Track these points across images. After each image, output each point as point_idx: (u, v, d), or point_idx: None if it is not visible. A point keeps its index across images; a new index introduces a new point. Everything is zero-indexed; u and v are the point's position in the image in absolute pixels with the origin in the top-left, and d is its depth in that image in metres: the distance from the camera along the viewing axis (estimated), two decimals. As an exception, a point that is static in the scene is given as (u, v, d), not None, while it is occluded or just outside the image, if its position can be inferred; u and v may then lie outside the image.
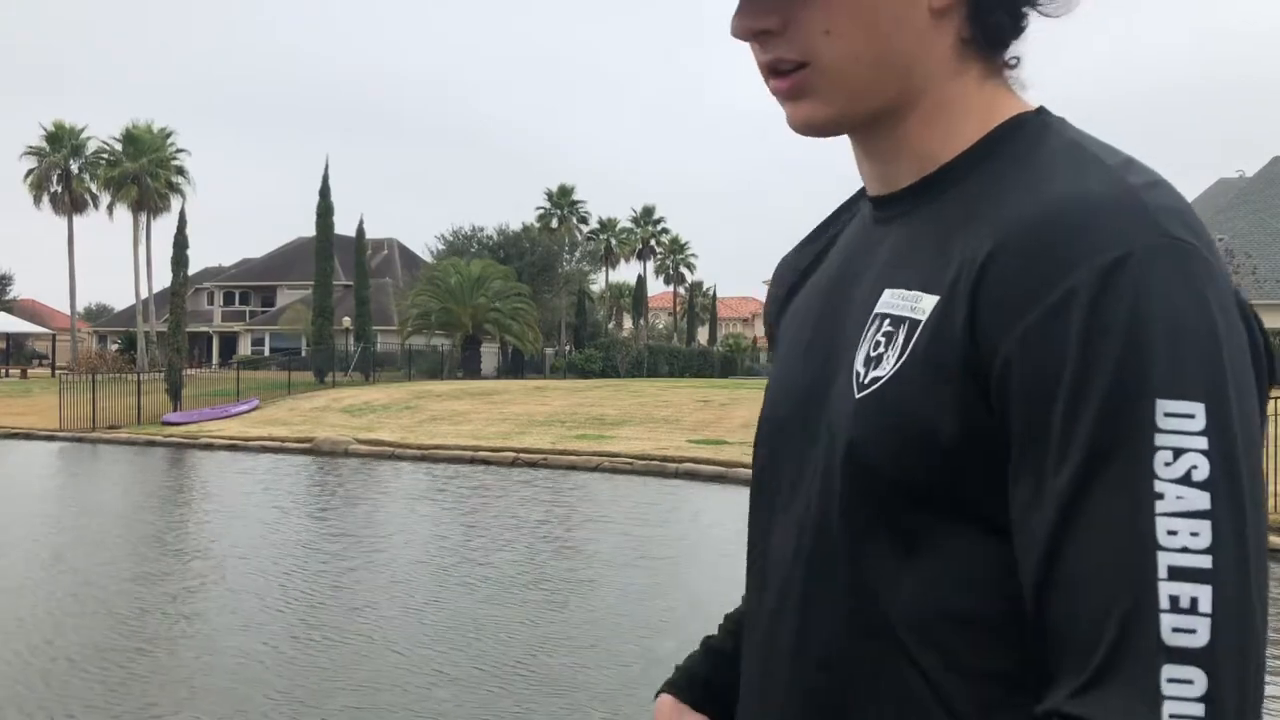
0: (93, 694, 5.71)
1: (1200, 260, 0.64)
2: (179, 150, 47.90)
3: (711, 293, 68.70)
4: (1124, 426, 0.61)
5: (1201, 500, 0.60)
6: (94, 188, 47.41)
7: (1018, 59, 0.79)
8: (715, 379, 42.99)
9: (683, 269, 66.85)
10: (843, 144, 0.82)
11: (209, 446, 21.28)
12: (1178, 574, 0.59)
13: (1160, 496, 0.60)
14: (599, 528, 11.82)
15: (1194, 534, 0.59)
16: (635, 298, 59.31)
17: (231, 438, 21.82)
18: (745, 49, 0.79)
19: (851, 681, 0.74)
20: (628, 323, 63.59)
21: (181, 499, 14.61)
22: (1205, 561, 0.59)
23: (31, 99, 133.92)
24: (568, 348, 48.74)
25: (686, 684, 1.00)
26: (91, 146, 47.45)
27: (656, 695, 1.01)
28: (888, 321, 0.74)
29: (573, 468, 17.51)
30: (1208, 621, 0.58)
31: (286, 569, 9.15)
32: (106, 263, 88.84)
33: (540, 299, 45.92)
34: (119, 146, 46.58)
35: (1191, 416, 0.60)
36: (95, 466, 18.77)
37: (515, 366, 44.98)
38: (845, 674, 0.75)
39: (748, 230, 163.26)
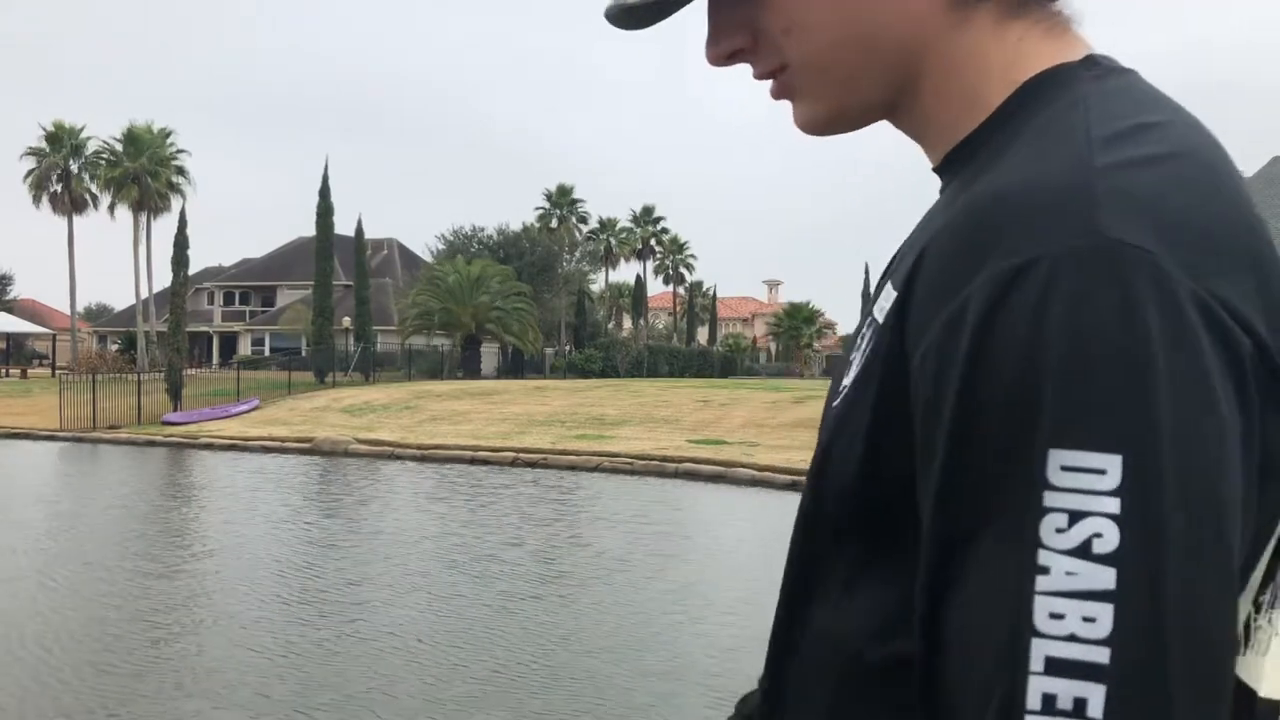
0: (94, 693, 5.73)
1: (1145, 271, 0.49)
2: (179, 150, 47.87)
3: (711, 293, 68.72)
4: (1008, 483, 0.50)
5: (1103, 577, 0.47)
6: (94, 188, 47.38)
7: None
8: (715, 379, 43.03)
9: (682, 269, 66.83)
10: (843, 142, 0.78)
11: (209, 446, 21.28)
12: (1058, 668, 0.47)
13: (1044, 570, 0.48)
14: (607, 526, 11.83)
15: (1087, 619, 0.47)
16: (635, 298, 59.31)
17: (232, 438, 21.83)
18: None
19: (781, 694, 0.70)
20: (628, 323, 63.59)
21: (186, 498, 14.60)
22: (1100, 655, 0.46)
23: (32, 99, 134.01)
24: (568, 348, 48.75)
25: None
26: (92, 146, 47.43)
27: None
28: (868, 323, 0.66)
29: (573, 468, 17.51)
30: None
31: (297, 565, 9.16)
32: (106, 263, 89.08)
33: (540, 299, 45.93)
34: (119, 146, 46.56)
35: (1101, 472, 0.47)
36: (95, 466, 18.77)
37: (515, 366, 44.99)
38: (780, 686, 0.71)
39: (748, 230, 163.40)
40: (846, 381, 0.66)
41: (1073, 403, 0.48)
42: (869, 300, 0.87)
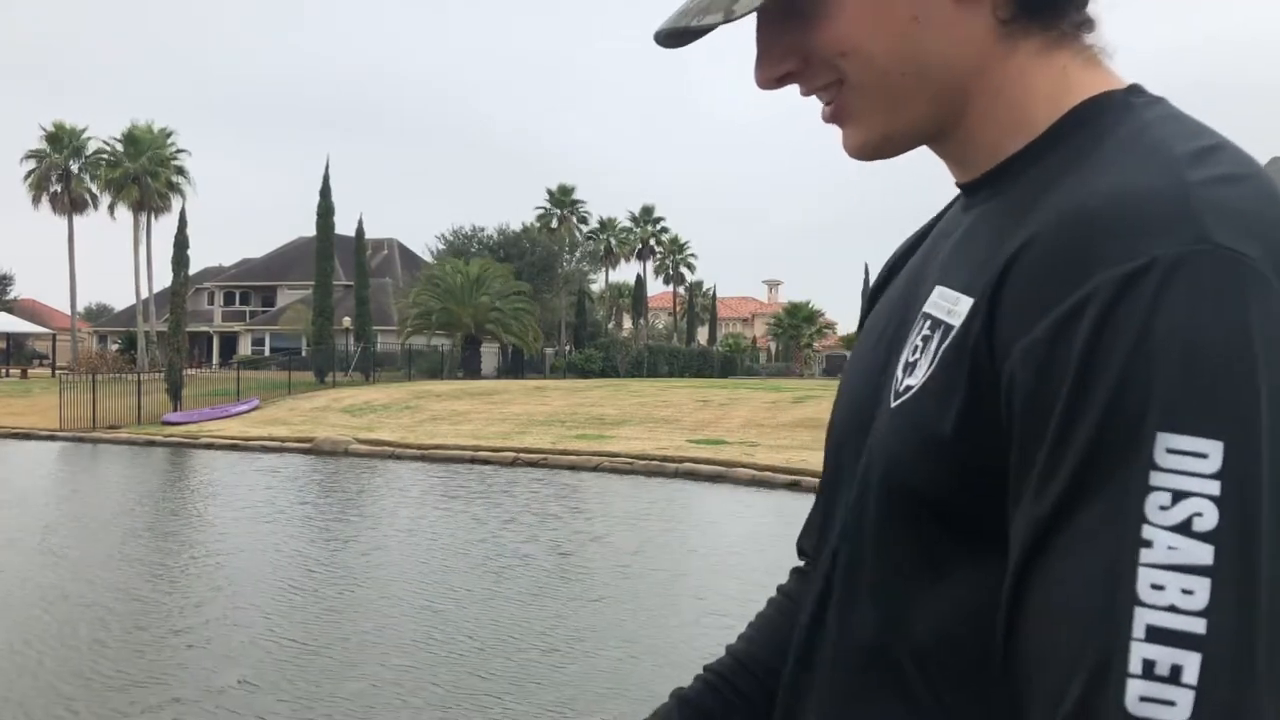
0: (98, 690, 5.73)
1: (1250, 275, 0.54)
2: (179, 150, 47.91)
3: (711, 293, 68.73)
4: (1115, 460, 0.53)
5: (1201, 554, 0.50)
6: (94, 188, 47.42)
7: (1091, 21, 0.69)
8: (715, 379, 43.04)
9: (682, 269, 66.84)
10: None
11: (209, 446, 21.29)
12: (1158, 636, 0.50)
13: (1148, 544, 0.51)
14: (607, 525, 11.84)
15: (1186, 592, 0.50)
16: (635, 298, 59.31)
17: (232, 438, 21.83)
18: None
19: (849, 703, 0.72)
20: (628, 323, 63.59)
21: (187, 498, 14.61)
22: (1197, 625, 0.50)
23: (32, 100, 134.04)
24: (568, 348, 48.75)
25: None
26: (92, 146, 47.47)
27: None
28: (928, 323, 0.69)
29: (573, 467, 17.52)
30: (1190, 695, 0.49)
31: (298, 565, 9.17)
32: (106, 263, 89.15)
33: (540, 299, 45.94)
34: (119, 146, 46.58)
35: (1203, 456, 0.51)
36: (95, 466, 18.78)
37: (515, 366, 44.99)
38: (848, 692, 0.72)
39: (748, 230, 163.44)
40: (912, 381, 0.68)
41: (1181, 391, 0.52)
42: (875, 297, 0.87)
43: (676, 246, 65.69)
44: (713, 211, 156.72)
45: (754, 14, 0.69)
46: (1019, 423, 0.58)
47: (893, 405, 0.69)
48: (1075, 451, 0.55)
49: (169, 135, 47.75)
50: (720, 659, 0.95)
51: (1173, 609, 0.50)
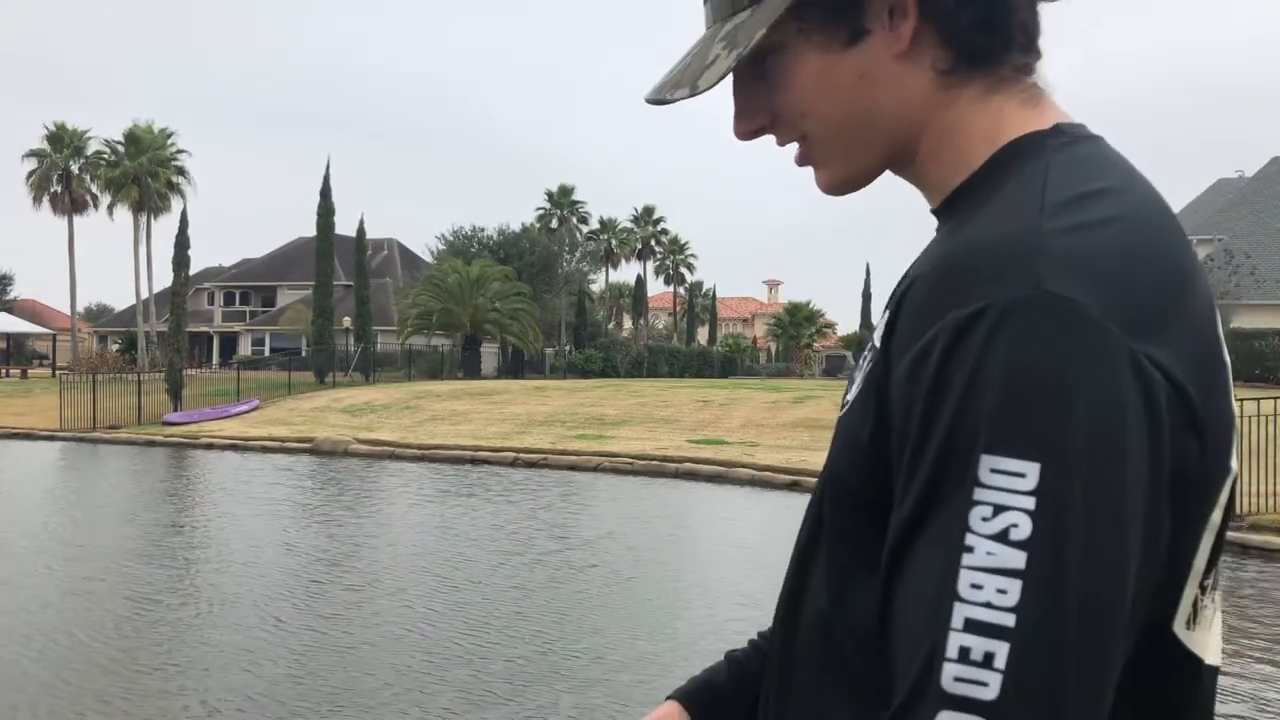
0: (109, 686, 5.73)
1: (1076, 319, 0.61)
2: (179, 150, 47.90)
3: (711, 293, 68.69)
4: (950, 479, 0.61)
5: (1014, 559, 0.58)
6: (94, 188, 47.40)
7: (1031, 64, 0.76)
8: (715, 379, 43.00)
9: (683, 269, 66.82)
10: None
11: (210, 446, 21.29)
12: (974, 627, 0.58)
13: (969, 550, 0.59)
14: (617, 523, 11.84)
15: (1000, 591, 0.58)
16: (635, 298, 59.28)
17: (232, 438, 21.84)
18: None
19: (791, 688, 0.81)
20: (628, 323, 63.55)
21: (187, 498, 14.61)
22: (1008, 620, 0.58)
23: (33, 100, 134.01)
24: (568, 348, 48.72)
25: (697, 693, 0.99)
26: (92, 147, 47.45)
27: (665, 699, 0.99)
28: (869, 345, 0.76)
29: (573, 468, 17.51)
30: (999, 677, 0.57)
31: (301, 565, 9.17)
32: (107, 263, 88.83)
33: (540, 299, 45.91)
34: (120, 147, 46.55)
35: (1021, 475, 0.59)
36: (96, 466, 18.77)
37: (515, 366, 44.97)
38: (793, 677, 0.81)
39: (748, 231, 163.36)
40: (850, 395, 0.77)
41: (1004, 419, 0.60)
42: (868, 303, 0.94)
43: (677, 246, 65.67)
44: (713, 211, 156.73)
45: (729, 78, 0.78)
46: (895, 441, 0.67)
47: (840, 416, 0.79)
48: (922, 471, 0.63)
49: (169, 135, 47.75)
50: (770, 627, 1.00)
51: (988, 605, 0.58)
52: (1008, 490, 0.59)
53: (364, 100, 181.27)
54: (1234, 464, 0.69)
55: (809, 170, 0.82)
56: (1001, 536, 0.59)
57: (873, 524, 0.70)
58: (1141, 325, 0.62)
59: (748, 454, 17.48)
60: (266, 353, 51.85)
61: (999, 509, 0.59)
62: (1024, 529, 0.58)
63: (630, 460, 17.52)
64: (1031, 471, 0.59)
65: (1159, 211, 0.69)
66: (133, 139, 46.47)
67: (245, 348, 55.12)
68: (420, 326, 41.38)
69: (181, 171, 47.60)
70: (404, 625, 7.23)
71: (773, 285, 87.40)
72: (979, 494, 0.60)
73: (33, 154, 46.89)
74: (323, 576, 8.96)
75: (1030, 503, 0.59)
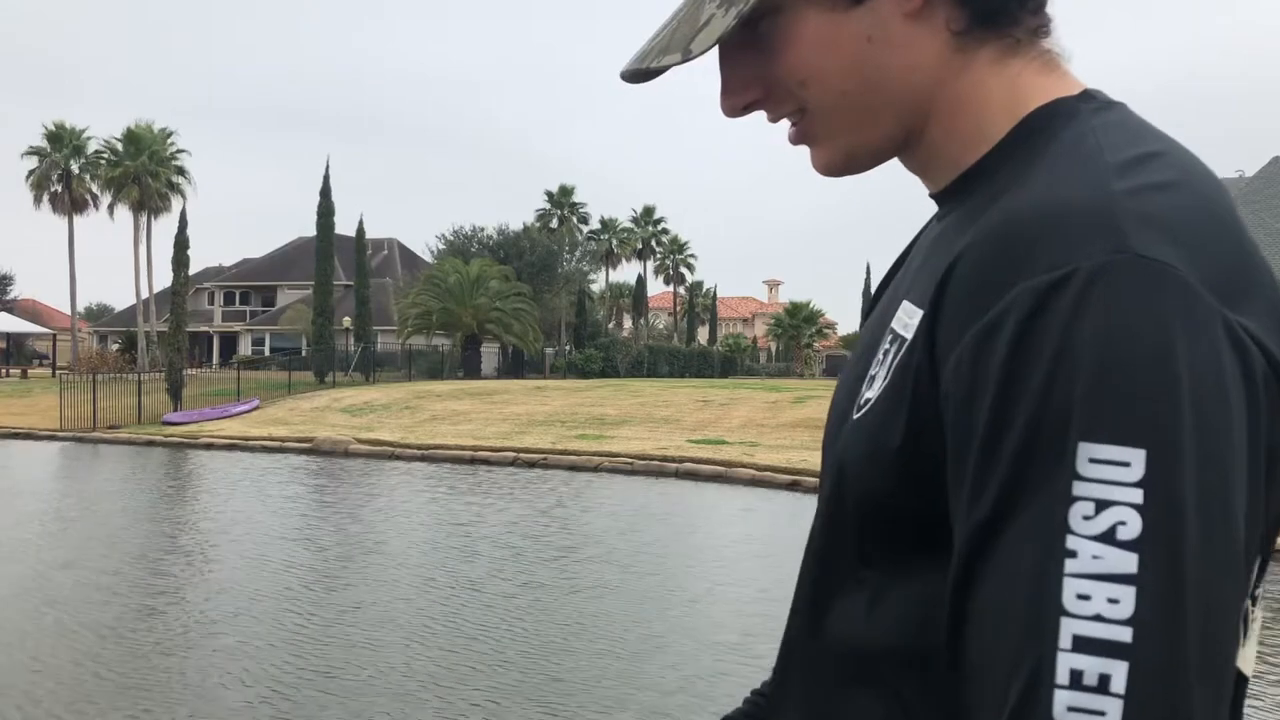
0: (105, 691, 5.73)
1: (1171, 283, 0.54)
2: (179, 150, 47.86)
3: (711, 293, 68.71)
4: (1039, 472, 0.53)
5: (1126, 563, 0.51)
6: (95, 188, 47.40)
7: (1046, 26, 0.70)
8: (715, 379, 43.02)
9: (683, 269, 66.84)
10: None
11: (210, 446, 21.28)
12: (1085, 645, 0.50)
13: (1073, 554, 0.52)
14: (608, 525, 11.83)
15: (1112, 601, 0.50)
16: (635, 298, 59.29)
17: (232, 437, 21.83)
18: None
19: (815, 703, 0.74)
20: (628, 323, 63.57)
21: (188, 498, 14.61)
22: (1123, 634, 0.50)
23: (33, 100, 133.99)
24: (568, 348, 48.71)
25: None
26: (92, 146, 47.44)
27: None
28: (890, 338, 0.70)
29: (573, 468, 17.50)
30: (1119, 704, 0.49)
31: (302, 565, 9.17)
32: (107, 263, 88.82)
33: (540, 299, 45.89)
34: (120, 146, 46.55)
35: (1125, 464, 0.51)
36: (96, 466, 18.77)
37: (515, 366, 44.96)
38: (812, 694, 0.74)
39: (748, 230, 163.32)
40: (870, 394, 0.69)
41: (1102, 400, 0.52)
42: (870, 310, 0.89)
43: (677, 246, 65.69)
44: (713, 211, 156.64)
45: (715, 48, 0.69)
46: (951, 435, 0.59)
47: (854, 418, 0.70)
48: (1001, 464, 0.55)
49: (169, 135, 47.72)
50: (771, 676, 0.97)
51: (1099, 618, 0.50)
52: (1111, 482, 0.51)
53: (364, 100, 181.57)
54: None
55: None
56: (1108, 536, 0.51)
57: (903, 535, 0.64)
58: (1231, 293, 0.56)
59: (748, 454, 17.48)
60: (266, 353, 51.85)
61: (1103, 504, 0.51)
62: (1133, 526, 0.51)
63: (630, 460, 17.52)
64: (1137, 459, 0.51)
65: (1214, 177, 0.63)
66: (133, 139, 46.45)
67: (245, 348, 55.11)
68: (420, 326, 41.37)
69: (181, 171, 47.59)
70: (404, 625, 7.23)
71: (773, 285, 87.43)
72: (1078, 488, 0.52)
73: (32, 152, 46.86)
74: (322, 577, 8.95)
75: (1138, 496, 0.51)
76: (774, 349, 64.33)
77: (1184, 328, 0.53)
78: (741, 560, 9.94)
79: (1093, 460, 0.52)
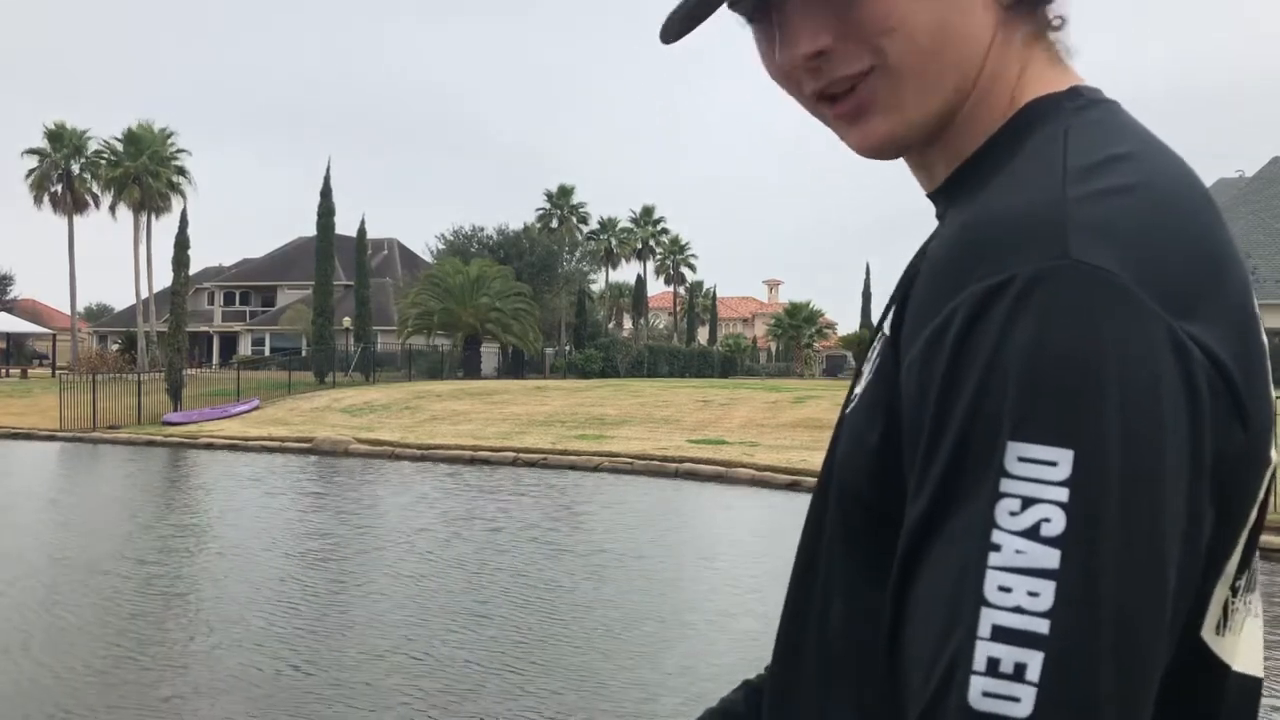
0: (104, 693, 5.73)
1: (1108, 289, 0.54)
2: (180, 150, 47.84)
3: (711, 293, 68.69)
4: (972, 469, 0.55)
5: (1048, 558, 0.52)
6: (95, 188, 47.38)
7: (1062, 19, 0.70)
8: (715, 379, 43.02)
9: (683, 269, 66.81)
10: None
11: (209, 446, 21.29)
12: (1003, 635, 0.52)
13: (997, 548, 0.53)
14: (618, 523, 11.84)
15: (1032, 594, 0.52)
16: (635, 298, 59.27)
17: (232, 437, 21.83)
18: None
19: (788, 694, 0.75)
20: (628, 323, 63.55)
21: (188, 498, 14.61)
22: (1041, 626, 0.51)
23: (33, 100, 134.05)
24: (568, 348, 48.70)
25: None
26: (92, 146, 47.42)
27: None
28: (879, 336, 0.70)
29: (573, 468, 17.51)
30: (1033, 692, 0.51)
31: (303, 565, 9.17)
32: (107, 263, 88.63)
33: (540, 299, 45.89)
34: (120, 146, 46.53)
35: (1052, 464, 0.53)
36: (96, 466, 18.77)
37: (515, 366, 44.96)
38: (788, 685, 0.75)
39: (748, 230, 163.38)
40: (858, 390, 0.71)
41: (1032, 401, 0.53)
42: (868, 303, 0.89)
43: (677, 247, 65.66)
44: (713, 211, 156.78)
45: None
46: (906, 433, 0.60)
47: (845, 414, 0.72)
48: (940, 462, 0.56)
49: (170, 135, 47.70)
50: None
51: (1018, 610, 0.52)
52: (1038, 481, 0.53)
53: (364, 100, 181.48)
54: (1274, 454, 0.62)
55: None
56: (1032, 532, 0.52)
57: (881, 533, 0.65)
58: (1179, 299, 0.56)
59: (748, 454, 17.48)
60: (266, 353, 51.84)
61: (1029, 501, 0.52)
62: (1057, 524, 0.52)
63: (630, 460, 17.52)
64: (1064, 459, 0.52)
65: (1187, 179, 0.63)
66: (133, 139, 46.43)
67: (245, 348, 55.10)
68: (420, 326, 41.37)
69: (182, 171, 47.57)
70: (404, 625, 7.23)
71: (773, 285, 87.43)
72: (1006, 485, 0.53)
73: (32, 152, 46.85)
74: (322, 577, 8.95)
75: (1063, 494, 0.52)
76: (774, 349, 64.31)
77: (1120, 333, 0.53)
78: (742, 560, 9.94)
79: (1021, 459, 0.53)
